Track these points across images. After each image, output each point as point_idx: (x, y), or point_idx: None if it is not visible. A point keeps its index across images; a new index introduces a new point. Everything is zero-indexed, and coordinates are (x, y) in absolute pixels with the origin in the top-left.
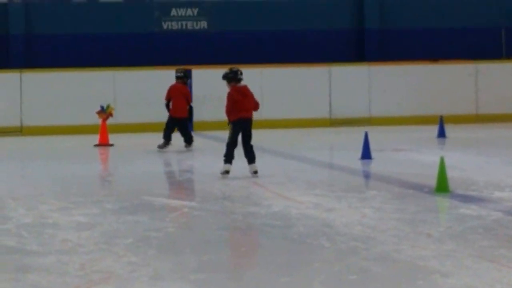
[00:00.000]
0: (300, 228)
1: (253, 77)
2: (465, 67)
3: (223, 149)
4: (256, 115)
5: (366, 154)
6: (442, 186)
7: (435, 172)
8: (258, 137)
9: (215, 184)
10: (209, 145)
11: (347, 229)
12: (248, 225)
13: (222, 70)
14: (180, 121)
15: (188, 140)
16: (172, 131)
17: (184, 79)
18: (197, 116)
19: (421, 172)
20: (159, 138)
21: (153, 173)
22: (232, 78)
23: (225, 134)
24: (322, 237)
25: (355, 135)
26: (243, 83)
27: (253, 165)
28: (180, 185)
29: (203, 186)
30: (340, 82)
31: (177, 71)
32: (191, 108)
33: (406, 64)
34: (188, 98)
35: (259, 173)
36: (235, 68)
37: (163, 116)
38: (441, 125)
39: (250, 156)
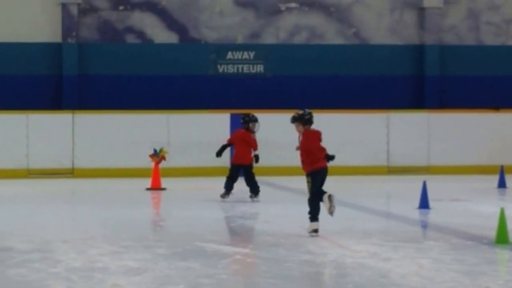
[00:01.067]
0: (355, 278)
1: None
2: None
3: (276, 194)
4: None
5: (424, 203)
6: (502, 237)
7: (495, 223)
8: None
9: (269, 231)
10: (263, 191)
11: (404, 280)
12: (302, 274)
13: (278, 115)
14: (243, 169)
15: (254, 190)
16: (234, 180)
17: (246, 125)
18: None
19: (481, 223)
20: (211, 182)
21: (205, 218)
22: (308, 120)
23: (277, 179)
24: None
25: (413, 184)
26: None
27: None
28: (233, 231)
29: (256, 233)
30: (399, 129)
31: (241, 117)
32: (256, 156)
33: (467, 112)
34: (251, 144)
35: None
36: (308, 110)
37: (217, 160)
38: (502, 175)
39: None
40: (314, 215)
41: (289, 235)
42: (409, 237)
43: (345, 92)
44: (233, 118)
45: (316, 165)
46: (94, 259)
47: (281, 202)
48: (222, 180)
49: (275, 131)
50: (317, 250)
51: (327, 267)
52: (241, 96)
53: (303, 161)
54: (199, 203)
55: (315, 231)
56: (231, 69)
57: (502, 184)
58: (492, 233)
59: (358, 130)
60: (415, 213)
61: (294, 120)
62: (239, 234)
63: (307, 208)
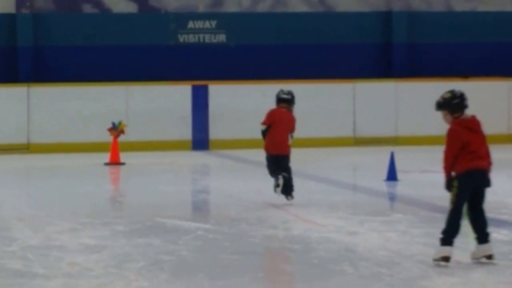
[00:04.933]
0: (321, 253)
1: (273, 93)
2: (498, 84)
3: (240, 168)
4: None
5: (391, 175)
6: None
7: None
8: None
9: (231, 206)
10: (226, 165)
11: (371, 254)
12: (266, 249)
13: (240, 86)
14: (281, 160)
15: (289, 189)
16: (278, 166)
17: (291, 104)
18: (213, 134)
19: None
20: (172, 156)
21: (166, 193)
22: (458, 105)
23: (241, 153)
24: (344, 262)
25: (381, 155)
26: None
27: (487, 245)
28: (195, 206)
29: (219, 208)
30: (365, 99)
31: (283, 92)
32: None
33: (435, 80)
34: (292, 129)
35: (275, 194)
36: (458, 91)
37: (177, 133)
38: None
39: (483, 232)
40: (448, 236)
41: (252, 209)
42: (376, 210)
43: (309, 61)
44: (195, 89)
45: (468, 165)
46: (51, 237)
47: (244, 177)
48: (183, 154)
49: (238, 102)
50: (281, 225)
51: (292, 242)
52: (203, 66)
53: (445, 161)
54: (159, 178)
55: (445, 259)
56: (192, 38)
57: None
58: None
59: (324, 100)
60: (383, 186)
61: (440, 107)
62: (201, 209)
63: (269, 182)
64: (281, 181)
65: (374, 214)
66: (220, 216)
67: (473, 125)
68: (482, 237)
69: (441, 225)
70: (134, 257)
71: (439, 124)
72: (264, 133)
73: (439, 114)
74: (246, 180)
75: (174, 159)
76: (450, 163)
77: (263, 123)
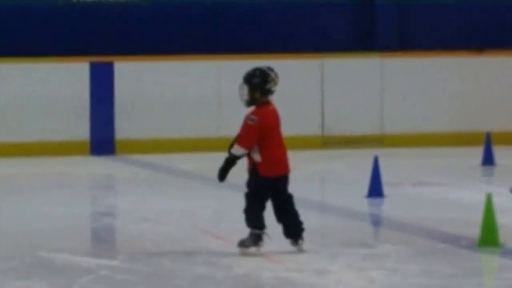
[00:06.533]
0: None
1: (206, 73)
2: None
3: (159, 180)
4: (212, 133)
5: (375, 189)
6: (488, 237)
7: (478, 217)
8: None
9: (148, 235)
10: (139, 176)
11: None
12: None
13: (159, 63)
14: (280, 183)
15: (297, 230)
16: (264, 205)
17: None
18: (120, 133)
19: (457, 216)
20: (62, 164)
21: (54, 217)
22: None
23: (160, 158)
24: None
25: (360, 162)
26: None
27: None
28: (95, 235)
29: (130, 238)
30: (338, 82)
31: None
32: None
33: (436, 55)
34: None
35: (210, 217)
36: None
37: (69, 132)
38: (488, 146)
39: None
40: None
41: (177, 239)
42: (354, 239)
43: (256, 28)
44: (94, 68)
45: None
46: None
47: (165, 192)
48: (78, 160)
49: (156, 87)
50: (219, 260)
51: (235, 286)
52: (105, 36)
53: None
54: (44, 195)
55: None
56: None
57: (488, 159)
58: (475, 232)
59: (279, 84)
60: (363, 204)
61: None
62: (105, 239)
63: (203, 200)
64: (265, 239)
65: (352, 245)
66: (132, 249)
67: None
68: None
69: (446, 259)
70: None
71: (440, 119)
72: (235, 159)
73: (442, 104)
74: (169, 197)
75: (64, 169)
76: None
77: (242, 145)
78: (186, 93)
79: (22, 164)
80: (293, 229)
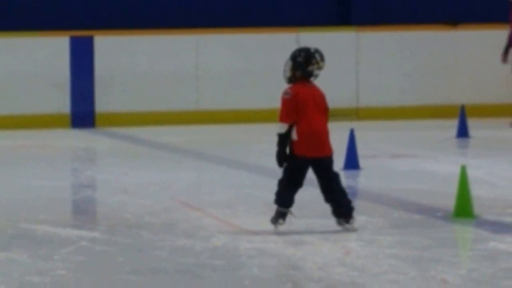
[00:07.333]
0: (254, 271)
1: (185, 49)
2: (497, 34)
3: (139, 153)
4: (190, 106)
5: (351, 162)
6: (463, 208)
7: (453, 188)
8: (191, 135)
9: (127, 206)
10: (119, 148)
11: (323, 272)
12: (176, 267)
13: (140, 37)
14: (320, 164)
15: (344, 211)
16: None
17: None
18: (100, 106)
19: (432, 188)
20: (45, 136)
21: (35, 189)
22: None
23: (139, 131)
24: (286, 285)
25: (336, 134)
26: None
27: None
28: (76, 207)
29: (110, 209)
30: None
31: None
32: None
33: (411, 29)
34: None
35: (188, 189)
36: None
37: (51, 105)
38: (462, 118)
39: None
40: None
41: (157, 211)
42: (330, 211)
43: (237, 3)
44: (74, 43)
45: None
46: None
47: (145, 164)
48: (59, 133)
49: (136, 61)
50: (197, 232)
51: (213, 257)
52: (85, 11)
53: None
54: (25, 168)
55: None
56: None
57: (462, 131)
58: (450, 203)
59: (253, 57)
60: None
61: None
62: (85, 211)
63: (182, 172)
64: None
65: (328, 217)
66: (111, 221)
67: None
68: None
69: (421, 230)
70: None
71: (415, 91)
72: (283, 138)
73: (417, 77)
74: (148, 170)
75: (45, 141)
76: None
77: (282, 120)
78: (165, 66)
79: (3, 137)
80: (344, 208)
